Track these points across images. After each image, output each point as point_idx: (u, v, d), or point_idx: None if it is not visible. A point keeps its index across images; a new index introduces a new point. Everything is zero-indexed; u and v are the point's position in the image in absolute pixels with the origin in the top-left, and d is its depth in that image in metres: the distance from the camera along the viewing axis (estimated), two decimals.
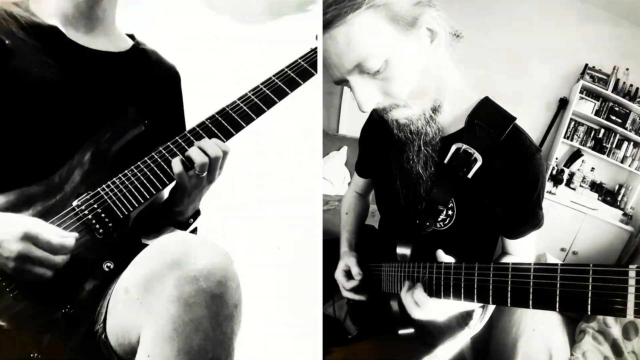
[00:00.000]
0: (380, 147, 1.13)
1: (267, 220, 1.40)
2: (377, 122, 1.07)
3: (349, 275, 1.20)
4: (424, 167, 1.00)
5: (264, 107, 1.00)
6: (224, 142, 0.96)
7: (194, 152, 0.92)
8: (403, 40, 0.84)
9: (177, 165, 0.92)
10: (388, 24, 0.82)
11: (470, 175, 0.95)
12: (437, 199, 0.98)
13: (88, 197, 0.89)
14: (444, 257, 0.88)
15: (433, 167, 0.99)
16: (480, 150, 0.93)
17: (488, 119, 0.95)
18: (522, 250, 1.07)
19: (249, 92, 1.01)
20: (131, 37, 1.10)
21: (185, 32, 1.36)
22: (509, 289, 0.69)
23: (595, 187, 3.07)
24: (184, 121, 1.16)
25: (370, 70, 0.85)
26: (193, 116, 1.08)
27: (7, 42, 0.90)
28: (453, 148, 0.96)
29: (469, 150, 0.94)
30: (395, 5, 0.81)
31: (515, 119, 0.96)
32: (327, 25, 0.82)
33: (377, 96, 0.90)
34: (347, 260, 1.21)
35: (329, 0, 0.80)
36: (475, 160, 0.94)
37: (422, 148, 0.98)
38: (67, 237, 0.82)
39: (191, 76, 1.19)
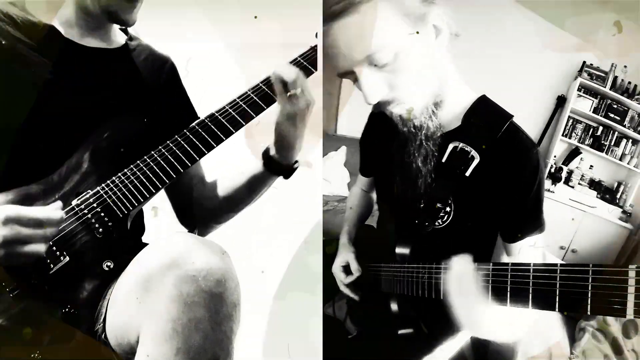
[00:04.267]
0: (382, 145, 1.14)
1: (267, 220, 1.39)
2: (379, 120, 1.07)
3: (347, 270, 1.21)
4: (423, 161, 1.00)
5: (263, 105, 0.99)
6: (224, 139, 0.96)
7: (285, 70, 0.93)
8: (411, 31, 0.87)
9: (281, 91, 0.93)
10: (400, 17, 0.86)
11: (467, 174, 0.95)
12: (436, 197, 0.98)
13: (87, 196, 0.88)
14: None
15: (433, 163, 1.00)
16: (477, 148, 0.94)
17: (485, 117, 0.96)
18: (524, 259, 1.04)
19: (249, 90, 1.01)
20: (124, 31, 1.10)
21: (184, 31, 1.36)
22: (508, 289, 0.69)
23: (594, 184, 3.07)
24: (193, 109, 1.15)
25: (380, 62, 0.87)
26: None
27: (3, 42, 0.90)
28: (450, 146, 0.96)
29: (466, 149, 0.94)
30: (406, 0, 0.85)
31: (512, 116, 0.96)
32: (339, 14, 0.84)
33: (383, 88, 0.91)
34: (347, 256, 1.21)
35: None
36: (473, 158, 0.94)
37: (424, 143, 0.99)
38: (52, 209, 0.80)
39: (191, 75, 1.18)
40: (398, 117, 0.97)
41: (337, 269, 1.22)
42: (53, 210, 0.80)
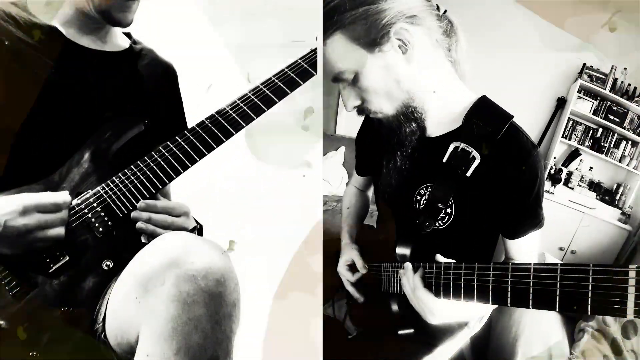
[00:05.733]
0: (374, 146, 1.15)
1: (267, 220, 1.40)
2: (371, 122, 1.09)
3: (352, 268, 1.21)
4: (393, 165, 1.06)
5: (263, 107, 1.00)
6: (224, 141, 0.96)
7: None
8: (367, 55, 0.93)
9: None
10: (352, 42, 0.93)
11: (468, 174, 0.95)
12: (436, 197, 0.98)
13: (88, 195, 0.89)
14: (442, 260, 0.89)
15: (405, 167, 1.05)
16: (478, 148, 0.94)
17: (485, 118, 0.96)
18: (523, 254, 1.05)
19: (249, 92, 1.01)
20: (128, 35, 1.10)
21: (184, 32, 1.36)
22: (509, 289, 0.69)
23: (594, 186, 3.08)
24: (185, 119, 1.16)
25: (346, 81, 0.98)
26: (194, 116, 1.09)
27: (6, 42, 0.90)
28: (451, 147, 0.96)
29: (467, 149, 0.94)
30: (357, 25, 0.91)
31: (512, 117, 0.96)
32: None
33: (356, 100, 1.01)
34: (350, 254, 1.21)
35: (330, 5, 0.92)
36: (474, 158, 0.94)
37: (397, 149, 1.04)
38: (63, 193, 0.85)
39: (191, 76, 1.19)
40: (377, 121, 1.03)
41: (342, 267, 1.22)
42: (65, 194, 0.84)
